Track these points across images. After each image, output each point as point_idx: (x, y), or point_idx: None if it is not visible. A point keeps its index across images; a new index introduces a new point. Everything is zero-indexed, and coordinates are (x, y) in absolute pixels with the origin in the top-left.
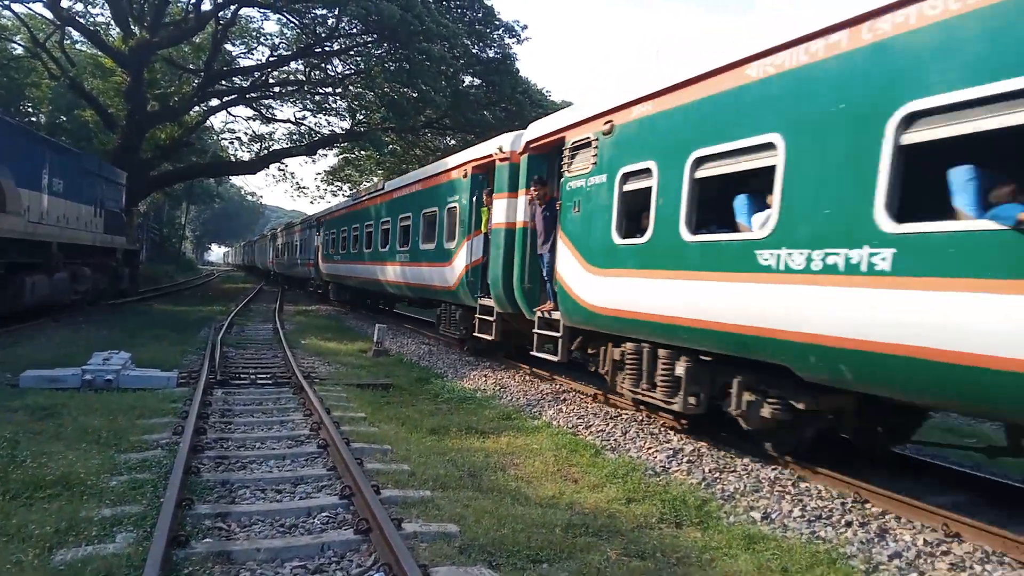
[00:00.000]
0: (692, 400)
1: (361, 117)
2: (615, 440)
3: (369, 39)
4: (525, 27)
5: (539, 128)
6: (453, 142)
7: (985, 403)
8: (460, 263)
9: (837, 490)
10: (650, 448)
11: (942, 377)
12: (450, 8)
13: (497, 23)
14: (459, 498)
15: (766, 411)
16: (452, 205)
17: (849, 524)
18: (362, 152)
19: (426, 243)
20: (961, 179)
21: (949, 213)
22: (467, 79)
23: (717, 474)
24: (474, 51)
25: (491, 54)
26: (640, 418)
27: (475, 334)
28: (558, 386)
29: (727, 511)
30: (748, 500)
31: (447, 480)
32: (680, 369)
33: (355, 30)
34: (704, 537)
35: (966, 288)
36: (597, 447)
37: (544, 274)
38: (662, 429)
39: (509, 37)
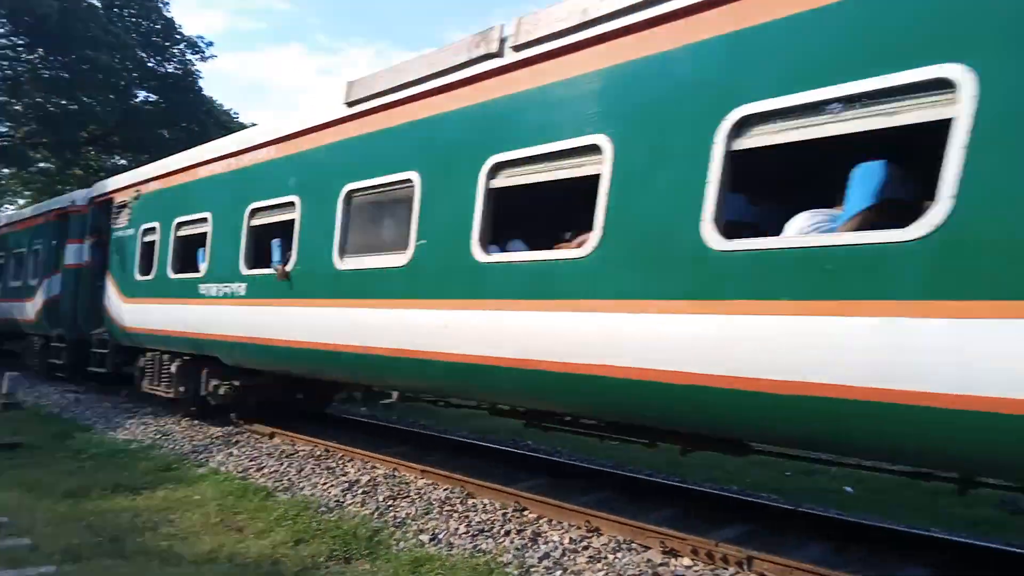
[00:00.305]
0: (182, 389)
1: (5, 130)
2: (289, 479)
3: (19, 42)
4: (211, 44)
5: (101, 188)
6: (123, 162)
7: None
8: (41, 298)
9: (500, 501)
10: (325, 483)
11: (290, 356)
12: (122, 16)
13: (178, 37)
14: (93, 570)
15: (223, 390)
16: (38, 247)
17: (508, 533)
18: (4, 170)
19: (16, 280)
20: (274, 245)
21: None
22: (141, 94)
23: (391, 501)
24: (150, 64)
25: (170, 69)
26: (318, 453)
27: (50, 360)
28: (230, 428)
29: (398, 538)
30: (419, 523)
31: (80, 550)
32: (174, 367)
33: (1, 30)
34: (373, 568)
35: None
36: (269, 489)
37: (100, 304)
38: (340, 463)
39: (192, 53)
